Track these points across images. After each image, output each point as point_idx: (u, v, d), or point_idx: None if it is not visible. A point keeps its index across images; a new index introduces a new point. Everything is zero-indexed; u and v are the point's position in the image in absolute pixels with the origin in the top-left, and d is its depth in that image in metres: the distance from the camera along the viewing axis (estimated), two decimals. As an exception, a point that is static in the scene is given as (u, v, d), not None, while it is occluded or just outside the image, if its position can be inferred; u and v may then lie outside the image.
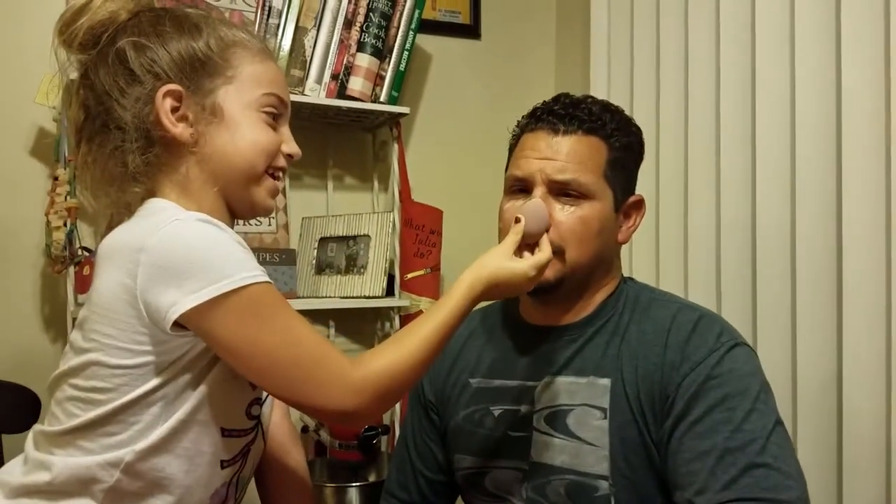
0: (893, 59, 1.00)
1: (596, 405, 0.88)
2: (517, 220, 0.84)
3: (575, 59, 1.84)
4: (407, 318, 1.64)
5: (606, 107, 0.95)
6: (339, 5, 1.55)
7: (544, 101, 0.96)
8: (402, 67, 1.60)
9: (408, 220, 1.64)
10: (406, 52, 1.60)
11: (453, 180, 1.80)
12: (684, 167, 1.39)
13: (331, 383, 0.68)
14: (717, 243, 1.30)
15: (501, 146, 1.01)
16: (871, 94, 1.04)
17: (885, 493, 1.01)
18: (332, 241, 1.63)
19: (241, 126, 0.75)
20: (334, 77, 1.55)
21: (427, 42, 1.77)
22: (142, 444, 0.70)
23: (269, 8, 1.50)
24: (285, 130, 0.80)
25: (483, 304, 0.83)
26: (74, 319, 1.36)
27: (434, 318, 0.75)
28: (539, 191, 0.89)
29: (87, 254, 1.38)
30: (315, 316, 1.66)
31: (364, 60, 1.56)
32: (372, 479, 1.46)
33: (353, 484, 1.39)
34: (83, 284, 1.36)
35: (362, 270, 1.57)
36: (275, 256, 1.52)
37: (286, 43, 1.51)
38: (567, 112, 0.91)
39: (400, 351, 0.72)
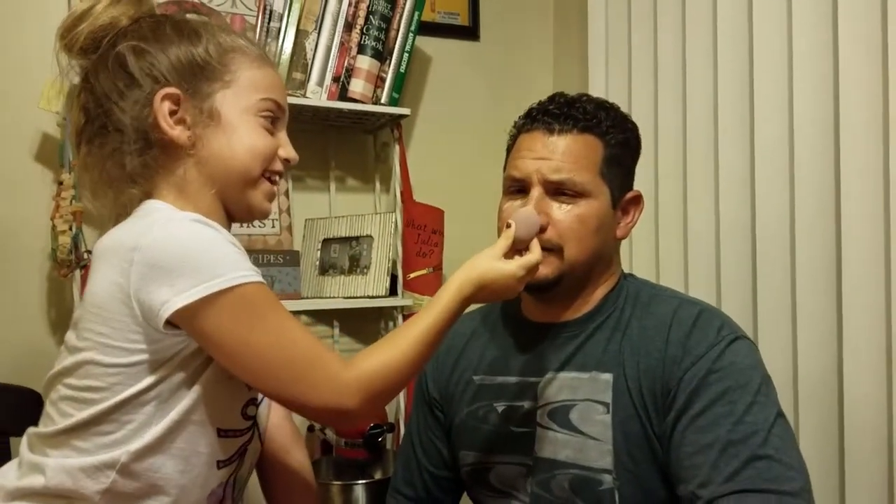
0: (892, 57, 1.01)
1: (599, 400, 0.89)
2: (508, 226, 0.86)
3: (573, 58, 1.85)
4: (410, 317, 1.65)
5: (601, 105, 0.95)
6: (340, 8, 1.56)
7: (540, 101, 0.97)
8: (402, 69, 1.61)
9: (410, 220, 1.65)
10: (406, 54, 1.61)
11: (454, 180, 1.81)
12: (683, 164, 1.39)
13: (323, 384, 0.69)
14: (717, 238, 1.31)
15: (501, 145, 1.02)
16: (869, 90, 1.05)
17: (886, 484, 1.02)
18: (335, 242, 1.64)
19: (239, 130, 0.76)
20: (335, 80, 1.56)
21: (426, 44, 1.79)
22: (136, 444, 0.70)
23: (270, 12, 1.51)
24: (283, 135, 0.80)
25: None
26: (81, 322, 1.38)
27: (425, 318, 0.76)
28: (536, 191, 0.90)
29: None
30: (319, 316, 1.67)
31: (365, 63, 1.57)
32: (378, 476, 1.47)
33: (360, 482, 1.40)
34: (89, 288, 1.37)
35: (365, 271, 1.59)
36: (278, 258, 1.53)
37: (287, 46, 1.52)
38: (562, 111, 0.92)
39: (392, 351, 0.73)
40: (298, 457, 0.96)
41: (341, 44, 1.56)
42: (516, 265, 0.81)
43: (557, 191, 0.91)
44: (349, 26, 1.57)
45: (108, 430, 0.71)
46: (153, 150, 0.75)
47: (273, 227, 1.60)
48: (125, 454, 0.70)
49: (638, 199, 0.98)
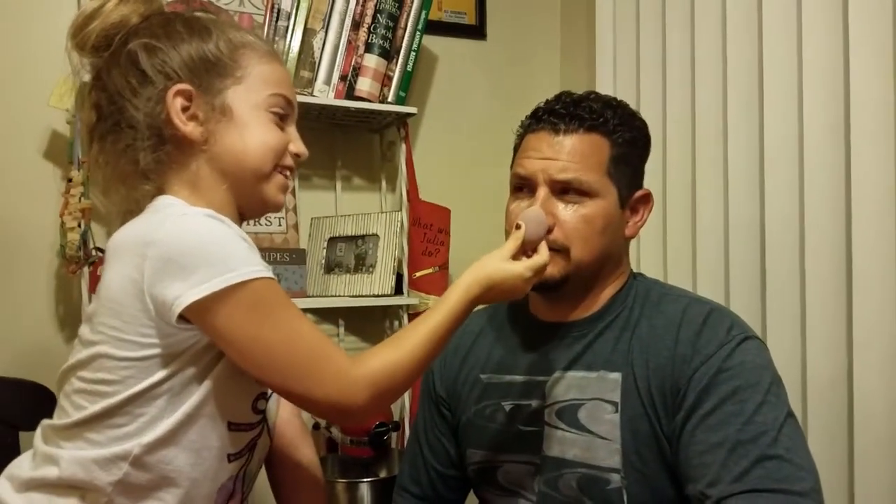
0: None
1: (607, 399, 0.89)
2: (517, 227, 0.86)
3: (580, 57, 1.85)
4: (415, 316, 1.65)
5: (608, 103, 0.95)
6: (347, 7, 1.56)
7: (546, 101, 0.97)
8: (409, 68, 1.61)
9: (416, 219, 1.66)
10: (413, 53, 1.62)
11: (460, 179, 1.81)
12: (692, 162, 1.39)
13: (329, 380, 0.70)
14: (726, 238, 1.31)
15: (508, 145, 1.02)
16: (880, 87, 1.04)
17: None
18: (341, 241, 1.64)
19: (250, 125, 0.76)
20: (342, 78, 1.56)
21: (433, 43, 1.79)
22: (149, 437, 0.71)
23: (278, 10, 1.52)
24: (292, 130, 0.81)
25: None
26: (89, 319, 1.38)
27: (433, 318, 0.77)
28: (542, 191, 0.90)
29: (101, 254, 1.39)
30: (325, 314, 1.68)
31: (372, 61, 1.57)
32: (383, 475, 1.47)
33: (365, 480, 1.40)
34: (97, 284, 1.37)
35: (371, 269, 1.59)
36: (285, 256, 1.53)
37: (295, 45, 1.52)
38: (568, 111, 0.92)
39: (398, 351, 0.73)
40: (307, 453, 0.96)
41: (349, 42, 1.56)
42: (524, 266, 0.82)
43: (564, 190, 0.90)
44: (357, 25, 1.57)
45: (121, 422, 0.71)
46: (166, 146, 0.75)
47: (279, 225, 1.60)
48: (137, 446, 0.71)
49: (647, 198, 0.98)
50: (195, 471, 0.74)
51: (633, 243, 1.06)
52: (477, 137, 1.83)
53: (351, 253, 1.62)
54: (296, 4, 1.52)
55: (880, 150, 1.04)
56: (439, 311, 0.77)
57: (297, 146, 0.81)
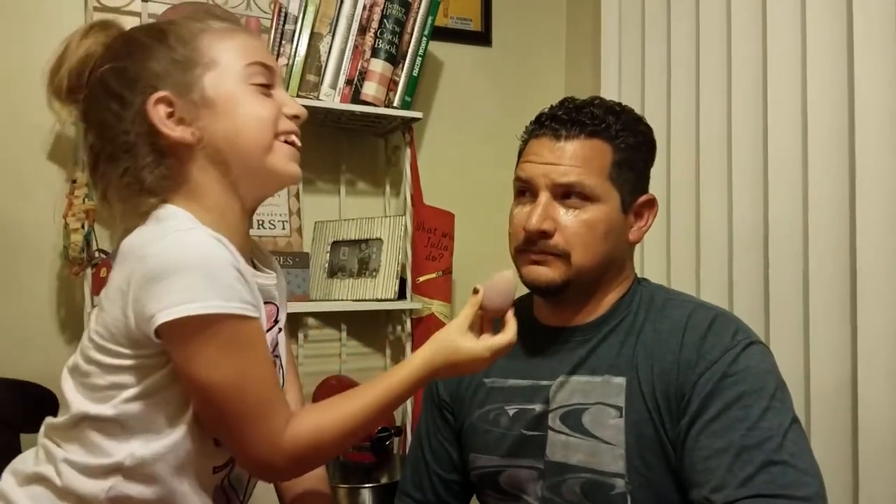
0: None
1: (611, 404, 0.89)
2: (475, 291, 0.83)
3: (585, 64, 1.86)
4: (418, 321, 1.65)
5: (611, 108, 0.95)
6: (354, 12, 1.57)
7: (550, 106, 0.97)
8: (415, 73, 1.62)
9: (420, 223, 1.65)
10: (419, 58, 1.62)
11: (465, 184, 1.81)
12: (696, 168, 1.39)
13: (261, 441, 0.70)
14: (729, 243, 1.31)
15: (512, 150, 1.02)
16: (884, 91, 1.04)
17: (900, 493, 1.01)
18: (344, 245, 1.64)
19: (237, 106, 0.75)
20: (349, 82, 1.56)
21: (439, 49, 1.79)
22: (139, 448, 0.71)
23: (285, 14, 1.52)
24: (280, 93, 0.78)
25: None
26: (91, 320, 1.38)
27: (384, 389, 0.76)
28: (544, 196, 0.91)
29: (104, 256, 1.39)
30: (327, 318, 1.67)
31: (378, 66, 1.57)
32: (384, 480, 1.46)
33: (366, 485, 1.40)
34: (100, 286, 1.37)
35: (374, 273, 1.59)
36: (288, 260, 1.53)
37: (301, 49, 1.53)
38: (570, 117, 0.92)
39: (341, 414, 0.74)
40: None
41: (355, 47, 1.57)
42: (484, 347, 0.80)
43: (565, 195, 0.91)
44: (363, 30, 1.58)
45: (111, 430, 0.72)
46: (166, 159, 0.74)
47: (283, 228, 1.60)
48: (129, 458, 0.71)
49: (652, 203, 0.98)
50: (183, 483, 0.74)
51: (637, 249, 1.06)
52: (481, 143, 1.83)
53: (354, 257, 1.62)
54: (303, 8, 1.53)
55: (885, 155, 1.04)
56: (393, 385, 0.76)
57: (291, 107, 0.78)
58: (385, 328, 1.74)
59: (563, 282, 0.91)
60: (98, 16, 1.36)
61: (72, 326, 1.48)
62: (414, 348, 1.65)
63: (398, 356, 1.72)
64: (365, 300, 1.58)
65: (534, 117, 0.98)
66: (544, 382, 0.94)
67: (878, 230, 1.04)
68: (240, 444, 0.71)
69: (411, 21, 1.61)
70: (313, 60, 1.53)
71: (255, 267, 0.82)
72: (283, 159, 0.77)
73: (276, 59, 1.39)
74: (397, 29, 1.59)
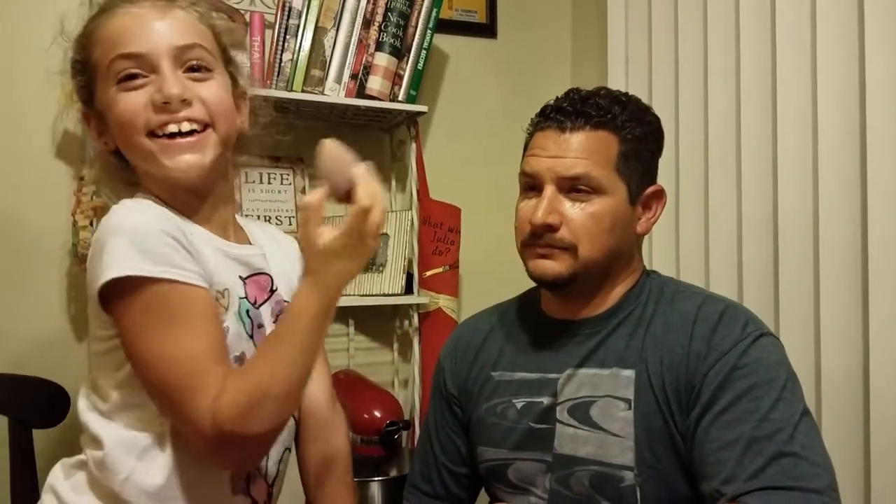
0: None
1: (620, 396, 0.88)
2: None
3: (591, 55, 1.85)
4: (426, 315, 1.65)
5: (617, 98, 0.94)
6: (358, 5, 1.56)
7: (555, 98, 0.96)
8: (419, 66, 1.61)
9: (426, 218, 1.65)
10: (424, 52, 1.62)
11: (471, 178, 1.81)
12: (704, 160, 1.38)
13: (198, 417, 0.65)
14: (739, 234, 1.30)
15: (518, 143, 1.01)
16: (894, 82, 1.03)
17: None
18: (351, 240, 1.64)
19: (111, 115, 0.73)
20: (353, 77, 1.56)
21: (444, 41, 1.79)
22: (142, 439, 0.72)
23: (289, 9, 1.52)
24: (153, 79, 0.72)
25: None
26: (101, 317, 1.39)
27: (291, 323, 0.68)
28: (549, 189, 0.90)
29: (112, 252, 1.40)
30: (335, 314, 1.67)
31: (382, 60, 1.57)
32: (393, 473, 1.47)
33: (375, 479, 1.40)
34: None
35: (381, 268, 1.59)
36: (295, 255, 1.53)
37: (306, 43, 1.52)
38: (575, 109, 0.92)
39: (262, 368, 0.67)
40: (338, 434, 0.94)
41: (359, 41, 1.56)
42: (346, 221, 0.69)
43: (571, 188, 0.90)
44: (367, 23, 1.57)
45: (114, 421, 0.73)
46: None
47: (290, 224, 1.60)
48: (135, 442, 0.71)
49: (660, 194, 0.97)
50: (190, 467, 0.73)
51: (645, 241, 1.05)
52: (487, 136, 1.83)
53: (361, 252, 1.62)
54: (307, 3, 1.52)
55: (895, 144, 1.03)
56: (294, 319, 0.68)
57: (157, 94, 0.71)
58: (392, 323, 1.74)
59: (570, 275, 0.90)
60: (103, 13, 1.37)
61: (82, 323, 1.49)
62: (421, 342, 1.65)
63: (406, 351, 1.72)
64: (372, 295, 1.58)
65: (539, 109, 0.98)
66: (552, 375, 0.94)
67: (889, 220, 1.03)
68: (179, 418, 0.67)
69: (415, 14, 1.60)
70: (318, 55, 1.53)
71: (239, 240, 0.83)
72: (160, 156, 0.72)
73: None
74: (401, 22, 1.59)
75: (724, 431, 0.80)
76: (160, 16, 0.73)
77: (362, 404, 1.45)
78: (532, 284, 0.99)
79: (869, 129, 1.06)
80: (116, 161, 0.78)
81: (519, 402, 0.96)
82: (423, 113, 1.63)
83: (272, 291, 0.83)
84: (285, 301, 0.84)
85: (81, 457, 0.76)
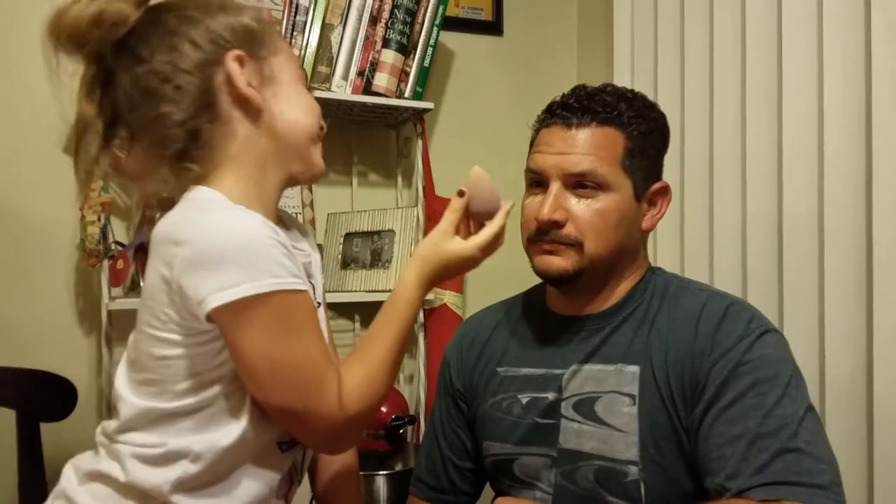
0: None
1: (624, 392, 0.89)
2: (460, 194, 0.81)
3: (597, 52, 1.85)
4: (431, 311, 1.66)
5: (623, 95, 0.94)
6: (365, 2, 1.57)
7: (562, 95, 0.96)
8: (426, 63, 1.62)
9: (432, 214, 1.66)
10: (430, 49, 1.62)
11: (477, 175, 1.81)
12: (710, 157, 1.38)
13: (325, 417, 0.69)
14: (743, 232, 1.30)
15: (524, 141, 1.02)
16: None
17: (916, 483, 1.01)
18: (357, 237, 1.65)
19: (296, 94, 0.77)
20: (360, 73, 1.57)
21: (450, 39, 1.79)
22: (207, 434, 0.71)
23: (297, 5, 1.52)
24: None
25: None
26: (109, 312, 1.40)
27: (397, 317, 0.76)
28: (555, 185, 0.90)
29: (120, 248, 1.41)
30: (340, 310, 1.68)
31: (389, 56, 1.57)
32: (399, 468, 1.48)
33: (381, 473, 1.41)
34: (116, 278, 1.39)
35: (387, 265, 1.59)
36: (302, 251, 1.54)
37: (313, 40, 1.53)
38: (581, 105, 0.92)
39: (373, 360, 0.73)
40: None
41: (366, 38, 1.57)
42: (470, 246, 0.80)
43: (577, 184, 0.90)
44: (374, 20, 1.58)
45: (178, 421, 0.71)
46: (213, 124, 0.72)
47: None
48: (196, 443, 0.70)
49: (665, 190, 0.97)
50: (246, 471, 0.73)
51: (650, 238, 1.06)
52: (493, 133, 1.83)
53: (367, 248, 1.63)
54: (314, 0, 1.53)
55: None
56: (400, 311, 0.76)
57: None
58: (398, 319, 1.74)
59: (576, 271, 0.91)
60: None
61: (90, 317, 1.50)
62: (427, 339, 1.66)
63: (411, 347, 1.73)
64: (378, 291, 1.58)
65: (545, 106, 0.98)
66: (557, 371, 0.94)
67: (895, 218, 1.03)
68: (303, 422, 0.69)
69: (422, 11, 1.61)
70: (324, 52, 1.54)
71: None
72: (319, 153, 0.80)
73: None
74: (408, 19, 1.59)
75: (728, 427, 0.81)
76: None
77: (368, 399, 1.46)
78: (537, 280, 0.99)
79: (875, 126, 1.06)
80: (194, 117, 0.72)
81: (524, 398, 0.96)
82: (429, 110, 1.63)
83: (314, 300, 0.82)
84: (318, 304, 0.83)
85: (99, 466, 0.74)
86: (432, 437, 1.08)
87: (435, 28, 1.62)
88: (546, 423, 0.94)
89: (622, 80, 1.62)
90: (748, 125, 1.29)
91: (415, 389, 1.69)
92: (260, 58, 0.75)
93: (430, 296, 1.63)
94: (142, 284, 0.74)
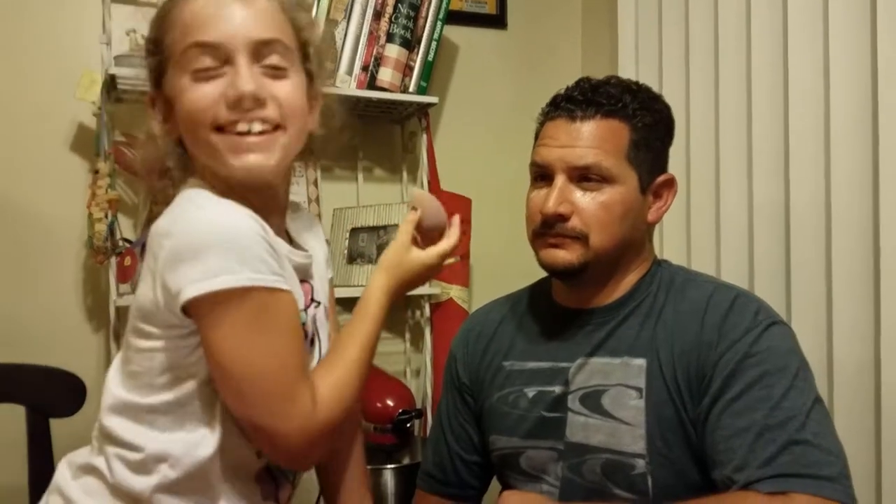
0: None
1: (631, 385, 0.89)
2: (413, 209, 0.87)
3: (602, 45, 1.84)
4: (437, 305, 1.66)
5: (628, 87, 0.94)
6: (368, -3, 1.56)
7: (566, 87, 0.96)
8: (430, 58, 1.62)
9: (437, 209, 1.66)
10: (434, 43, 1.62)
11: (482, 169, 1.81)
12: (715, 148, 1.38)
13: (292, 428, 0.67)
14: (750, 224, 1.30)
15: (529, 134, 1.01)
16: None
17: (924, 474, 1.00)
18: (363, 232, 1.65)
19: (179, 104, 0.70)
20: (364, 68, 1.57)
21: (454, 33, 1.79)
22: (185, 434, 0.71)
23: (300, 1, 1.52)
24: (226, 70, 0.69)
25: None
26: (117, 308, 1.41)
27: (364, 329, 0.78)
28: (560, 179, 0.90)
29: (127, 244, 1.42)
30: (347, 304, 1.67)
31: (393, 51, 1.57)
32: (406, 461, 1.48)
33: (388, 466, 1.42)
34: (124, 274, 1.40)
35: (393, 259, 1.59)
36: (307, 246, 1.54)
37: (316, 35, 1.53)
38: (585, 97, 0.91)
39: (343, 371, 0.73)
40: (351, 425, 0.93)
41: (370, 32, 1.57)
42: (430, 254, 0.85)
43: (582, 177, 0.90)
44: (378, 15, 1.57)
45: (156, 419, 0.71)
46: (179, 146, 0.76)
47: (302, 215, 1.61)
48: (173, 445, 0.70)
49: (671, 183, 0.97)
50: (225, 474, 0.72)
51: (656, 230, 1.05)
52: (498, 127, 1.83)
53: (373, 243, 1.63)
54: (318, -5, 1.53)
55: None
56: (367, 320, 0.79)
57: (231, 90, 0.68)
58: (404, 313, 1.75)
59: (581, 264, 0.91)
60: (115, 7, 1.38)
61: (98, 314, 1.51)
62: (433, 333, 1.66)
63: (418, 341, 1.73)
64: (384, 285, 1.58)
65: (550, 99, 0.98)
66: (563, 364, 0.94)
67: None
68: (268, 429, 0.67)
69: (426, 5, 1.60)
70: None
71: (291, 244, 0.80)
72: (227, 156, 0.70)
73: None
74: (412, 13, 1.59)
75: (735, 419, 0.81)
76: (242, 4, 0.70)
77: (375, 393, 1.47)
78: (543, 274, 0.99)
79: (881, 117, 1.05)
80: (175, 149, 0.75)
81: (530, 391, 0.97)
82: (433, 104, 1.63)
83: (312, 300, 0.82)
84: (316, 304, 0.83)
85: (91, 461, 0.74)
86: (439, 431, 1.09)
87: (439, 22, 1.62)
88: (552, 416, 0.94)
89: (627, 72, 1.61)
90: (754, 116, 1.28)
91: (421, 383, 1.70)
92: (161, 81, 0.73)
93: (436, 290, 1.63)
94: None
